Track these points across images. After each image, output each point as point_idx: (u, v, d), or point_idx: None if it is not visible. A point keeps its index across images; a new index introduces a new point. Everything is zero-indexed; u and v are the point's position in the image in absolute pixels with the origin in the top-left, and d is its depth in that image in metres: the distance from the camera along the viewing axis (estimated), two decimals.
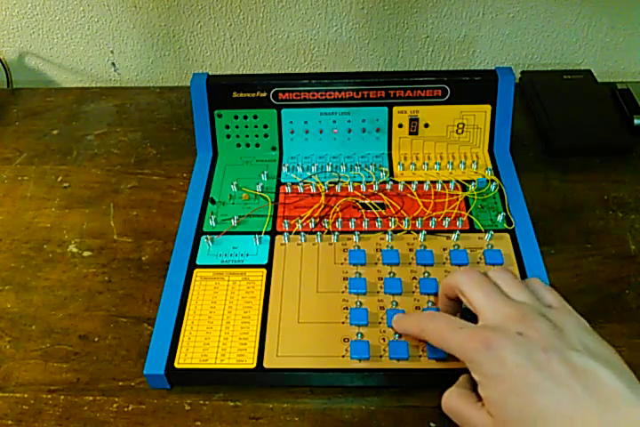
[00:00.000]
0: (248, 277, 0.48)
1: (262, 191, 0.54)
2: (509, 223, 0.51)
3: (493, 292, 0.38)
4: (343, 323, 0.44)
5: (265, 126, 0.58)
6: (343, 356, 0.42)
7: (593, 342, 0.35)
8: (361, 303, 0.45)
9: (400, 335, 0.43)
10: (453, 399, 0.37)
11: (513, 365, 0.33)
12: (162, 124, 0.67)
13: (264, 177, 0.56)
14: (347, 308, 0.45)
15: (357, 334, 0.43)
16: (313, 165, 0.57)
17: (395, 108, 0.56)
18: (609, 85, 0.67)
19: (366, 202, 0.53)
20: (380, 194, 0.54)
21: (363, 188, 0.54)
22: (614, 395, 0.32)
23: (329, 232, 0.51)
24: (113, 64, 0.76)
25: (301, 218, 0.52)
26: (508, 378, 0.33)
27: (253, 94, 0.56)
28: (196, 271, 0.48)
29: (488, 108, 0.56)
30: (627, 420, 0.31)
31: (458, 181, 0.54)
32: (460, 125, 0.57)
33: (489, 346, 0.34)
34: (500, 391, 0.34)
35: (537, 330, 0.35)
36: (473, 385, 0.37)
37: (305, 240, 0.50)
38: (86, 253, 0.53)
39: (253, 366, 0.42)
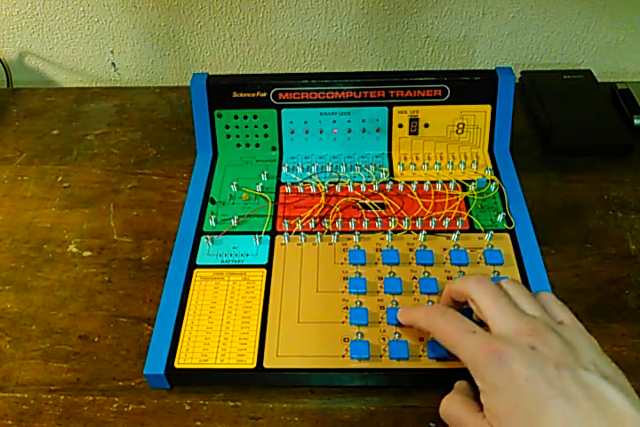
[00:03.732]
0: (248, 277, 0.48)
1: (262, 191, 0.54)
2: (509, 223, 0.51)
3: (506, 303, 0.37)
4: (343, 323, 0.44)
5: (265, 126, 0.58)
6: (343, 356, 0.42)
7: (603, 361, 0.35)
8: (361, 303, 0.45)
9: (400, 335, 0.43)
10: (453, 406, 0.37)
11: (523, 378, 0.33)
12: (162, 124, 0.67)
13: (264, 177, 0.56)
14: (347, 307, 0.45)
15: (357, 334, 0.43)
16: (313, 165, 0.57)
17: (395, 108, 0.56)
18: (609, 85, 0.67)
19: (366, 202, 0.53)
20: (380, 194, 0.54)
21: (363, 188, 0.54)
22: (622, 415, 0.31)
23: (329, 232, 0.51)
24: (113, 64, 0.76)
25: (301, 218, 0.52)
26: (517, 391, 0.33)
27: (253, 94, 0.56)
28: (196, 271, 0.48)
29: (488, 108, 0.56)
30: None
31: (458, 181, 0.54)
32: (460, 125, 0.57)
33: (500, 357, 0.33)
34: (504, 404, 0.33)
35: (549, 345, 0.34)
36: (473, 393, 0.37)
37: (305, 240, 0.50)
38: (86, 253, 0.53)
39: (253, 366, 0.42)
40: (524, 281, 0.46)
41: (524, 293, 0.38)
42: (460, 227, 0.50)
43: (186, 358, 0.43)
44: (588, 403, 0.31)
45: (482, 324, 0.37)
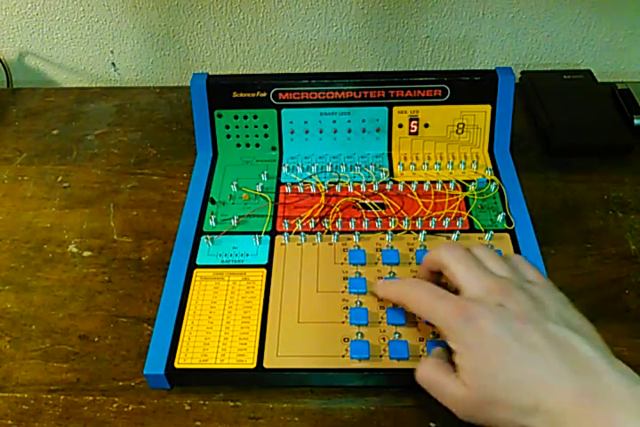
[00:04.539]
0: (248, 277, 0.48)
1: (262, 191, 0.54)
2: (509, 223, 0.51)
3: (475, 266, 0.38)
4: (343, 323, 0.44)
5: (265, 126, 0.58)
6: (343, 356, 0.42)
7: (571, 315, 0.36)
8: (361, 303, 0.45)
9: (400, 335, 0.43)
10: (428, 370, 0.38)
11: (490, 334, 0.34)
12: (162, 124, 0.67)
13: (264, 177, 0.56)
14: (347, 307, 0.45)
15: (357, 334, 0.43)
16: (313, 165, 0.57)
17: (395, 108, 0.56)
18: (609, 85, 0.67)
19: (366, 202, 0.53)
20: (380, 194, 0.54)
21: (363, 188, 0.54)
22: (588, 363, 0.33)
23: (329, 232, 0.51)
24: (113, 64, 0.76)
25: (301, 218, 0.52)
26: (485, 347, 0.34)
27: (253, 94, 0.56)
28: (196, 271, 0.48)
29: (488, 108, 0.56)
30: (599, 384, 0.32)
31: (458, 181, 0.54)
32: (460, 125, 0.57)
33: (469, 316, 0.35)
34: (475, 360, 0.35)
35: (517, 302, 0.36)
36: (448, 356, 0.38)
37: (305, 240, 0.50)
38: (86, 253, 0.53)
39: (253, 366, 0.42)
40: None
41: (493, 255, 0.40)
42: (460, 227, 0.50)
43: (186, 358, 0.43)
44: (553, 353, 0.33)
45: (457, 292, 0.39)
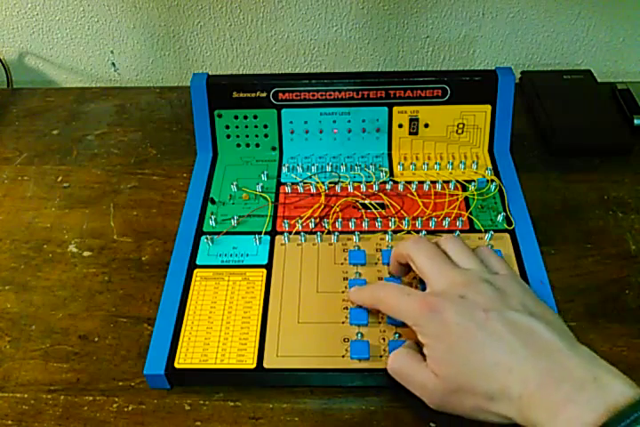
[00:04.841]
0: (248, 278, 0.48)
1: (262, 191, 0.54)
2: (509, 223, 0.51)
3: (441, 260, 0.40)
4: (343, 323, 0.44)
5: (265, 126, 0.58)
6: (343, 356, 0.42)
7: (534, 303, 0.37)
8: None
9: (400, 335, 0.43)
10: (399, 360, 0.39)
11: (454, 324, 0.35)
12: (162, 124, 0.67)
13: (264, 177, 0.56)
14: (347, 308, 0.45)
15: (357, 334, 0.43)
16: (313, 165, 0.57)
17: (395, 108, 0.56)
18: (609, 85, 0.67)
19: (366, 202, 0.53)
20: (380, 194, 0.54)
21: (363, 188, 0.54)
22: (549, 346, 0.34)
23: (329, 232, 0.51)
24: (113, 64, 0.76)
25: (301, 218, 0.52)
26: (450, 336, 0.35)
27: (253, 94, 0.56)
28: (196, 271, 0.48)
29: (488, 108, 0.56)
30: (560, 368, 0.32)
31: (458, 181, 0.54)
32: (460, 125, 0.57)
33: (433, 309, 0.36)
34: (442, 349, 0.36)
35: (479, 293, 0.37)
36: (419, 348, 0.39)
37: (305, 240, 0.50)
38: (86, 253, 0.53)
39: (253, 366, 0.42)
40: (524, 281, 0.46)
41: (460, 248, 0.41)
42: (460, 227, 0.50)
43: (186, 359, 0.43)
44: (515, 338, 0.34)
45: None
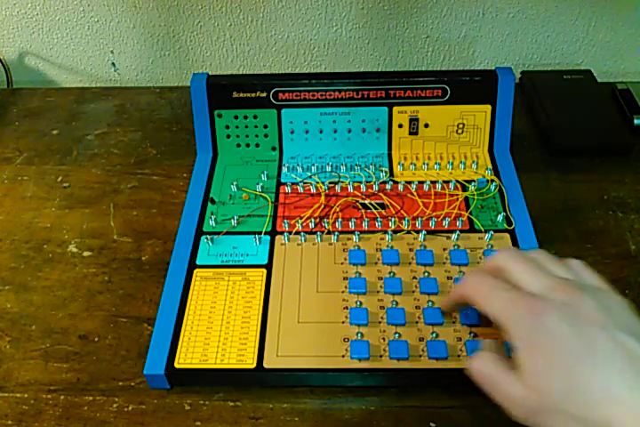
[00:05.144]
0: (248, 278, 0.48)
1: (262, 191, 0.54)
2: (509, 223, 0.51)
3: (537, 267, 0.36)
4: (343, 323, 0.44)
5: (265, 126, 0.58)
6: (343, 356, 0.42)
7: (636, 323, 0.33)
8: (361, 303, 0.45)
9: (400, 335, 0.43)
10: (487, 364, 0.35)
11: (557, 334, 0.32)
12: (162, 124, 0.67)
13: (264, 177, 0.56)
14: (347, 307, 0.45)
15: (357, 334, 0.43)
16: (313, 165, 0.57)
17: (395, 108, 0.56)
18: (609, 85, 0.67)
19: (366, 202, 0.53)
20: (380, 194, 0.54)
21: (363, 188, 0.54)
22: None
23: (329, 232, 0.51)
24: (113, 64, 0.76)
25: (301, 218, 0.52)
26: (551, 347, 0.32)
27: (253, 94, 0.56)
28: (196, 271, 0.48)
29: (488, 108, 0.56)
30: None
31: (458, 181, 0.54)
32: (460, 125, 0.57)
33: (536, 313, 0.33)
34: (541, 361, 0.32)
35: (583, 304, 0.33)
36: (503, 351, 0.36)
37: (305, 240, 0.50)
38: (86, 253, 0.53)
39: (253, 366, 0.42)
40: None
41: (553, 259, 0.38)
42: (460, 227, 0.50)
43: (186, 358, 0.43)
44: (622, 360, 0.30)
45: None
